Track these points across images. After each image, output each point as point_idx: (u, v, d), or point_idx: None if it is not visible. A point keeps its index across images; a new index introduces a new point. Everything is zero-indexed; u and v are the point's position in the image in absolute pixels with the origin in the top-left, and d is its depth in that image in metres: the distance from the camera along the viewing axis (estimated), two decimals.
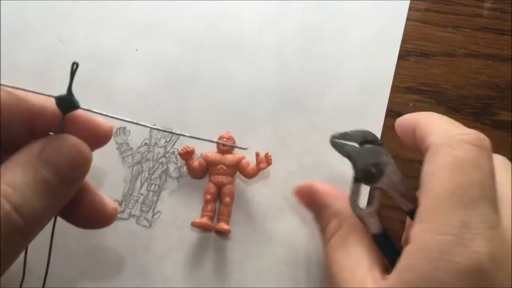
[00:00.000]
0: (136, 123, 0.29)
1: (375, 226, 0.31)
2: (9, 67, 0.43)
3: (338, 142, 0.32)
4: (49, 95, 0.24)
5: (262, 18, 0.44)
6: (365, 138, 0.32)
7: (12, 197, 0.21)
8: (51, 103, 0.24)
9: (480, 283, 0.24)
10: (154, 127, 0.30)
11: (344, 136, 0.32)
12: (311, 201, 0.34)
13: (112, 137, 0.40)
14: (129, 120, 0.29)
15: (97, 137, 0.27)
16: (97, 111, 0.26)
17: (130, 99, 0.42)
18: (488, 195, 0.26)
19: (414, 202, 0.30)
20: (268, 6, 0.45)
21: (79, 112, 0.25)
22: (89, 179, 0.27)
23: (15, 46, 0.44)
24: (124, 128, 0.41)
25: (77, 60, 0.42)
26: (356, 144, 0.32)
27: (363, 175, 0.30)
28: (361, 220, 0.31)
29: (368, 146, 0.32)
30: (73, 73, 0.24)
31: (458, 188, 0.26)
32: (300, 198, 0.35)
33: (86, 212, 0.28)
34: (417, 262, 0.25)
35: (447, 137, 0.28)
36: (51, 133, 0.24)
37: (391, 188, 0.30)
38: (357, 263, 0.29)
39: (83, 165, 0.24)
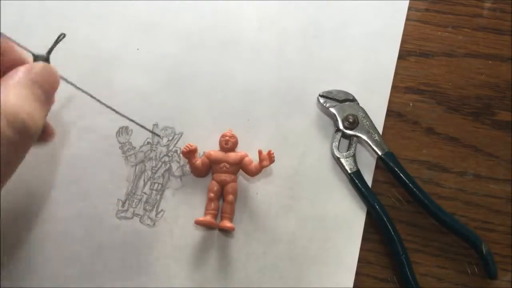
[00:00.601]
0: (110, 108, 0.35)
1: (352, 166, 0.40)
2: None
3: (325, 99, 0.41)
4: (30, 51, 0.31)
5: (262, 17, 0.45)
6: (345, 97, 0.41)
7: (26, 108, 0.28)
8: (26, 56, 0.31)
9: None
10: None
11: (330, 93, 0.41)
12: None
13: (115, 136, 0.41)
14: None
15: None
16: (70, 81, 0.33)
17: (132, 99, 0.42)
18: None
19: (383, 148, 0.40)
20: (268, 5, 0.45)
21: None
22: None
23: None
24: (126, 127, 0.41)
25: (78, 60, 0.42)
26: (338, 102, 0.41)
27: (343, 123, 0.41)
28: (339, 161, 0.40)
29: (347, 103, 0.41)
30: (57, 41, 0.33)
31: None
32: None
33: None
34: None
35: None
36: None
37: (364, 135, 0.40)
38: None
39: (57, 84, 0.32)
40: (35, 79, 0.30)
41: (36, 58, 0.31)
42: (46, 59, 0.31)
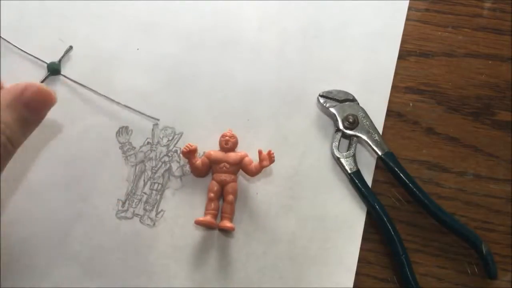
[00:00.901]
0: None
1: (352, 166, 0.40)
2: None
3: (325, 99, 0.41)
4: (42, 60, 0.37)
5: (262, 17, 0.45)
6: (345, 97, 0.41)
7: (7, 132, 0.29)
8: None
9: None
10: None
11: (330, 93, 0.41)
12: None
13: (115, 136, 0.41)
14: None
15: None
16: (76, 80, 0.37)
17: (132, 99, 0.42)
18: None
19: (383, 148, 0.40)
20: (268, 5, 0.45)
21: None
22: None
23: None
24: (126, 127, 0.41)
25: (78, 60, 0.42)
26: (338, 102, 0.41)
27: (343, 123, 0.40)
28: (339, 161, 0.40)
29: (347, 103, 0.41)
30: (66, 51, 0.40)
31: None
32: None
33: None
34: None
35: None
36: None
37: (364, 135, 0.40)
38: None
39: (50, 105, 0.32)
40: (26, 102, 0.31)
41: (49, 66, 0.38)
42: (58, 66, 0.38)
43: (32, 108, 0.31)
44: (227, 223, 0.38)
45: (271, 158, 0.39)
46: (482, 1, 0.45)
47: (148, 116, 0.41)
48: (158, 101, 0.42)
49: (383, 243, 0.39)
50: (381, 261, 0.39)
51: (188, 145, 0.39)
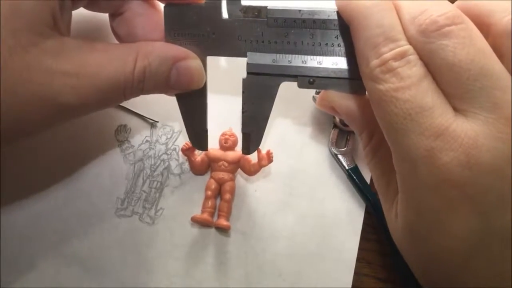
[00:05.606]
0: None
1: (349, 162, 0.40)
2: None
3: None
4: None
5: None
6: None
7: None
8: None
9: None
10: None
11: None
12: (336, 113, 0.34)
13: (114, 135, 0.41)
14: None
15: None
16: None
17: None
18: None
19: None
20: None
21: None
22: None
23: None
24: (125, 125, 0.41)
25: None
26: None
27: (340, 120, 0.40)
28: (337, 157, 0.40)
29: None
30: None
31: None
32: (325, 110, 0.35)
33: None
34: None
35: None
36: None
37: None
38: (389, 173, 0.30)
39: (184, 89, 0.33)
40: (173, 69, 0.31)
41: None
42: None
43: (173, 81, 0.31)
44: (223, 222, 0.38)
45: (269, 157, 0.38)
46: None
47: (148, 118, 0.41)
48: (157, 100, 0.42)
49: (383, 243, 0.39)
50: (381, 261, 0.39)
51: (188, 143, 0.39)
